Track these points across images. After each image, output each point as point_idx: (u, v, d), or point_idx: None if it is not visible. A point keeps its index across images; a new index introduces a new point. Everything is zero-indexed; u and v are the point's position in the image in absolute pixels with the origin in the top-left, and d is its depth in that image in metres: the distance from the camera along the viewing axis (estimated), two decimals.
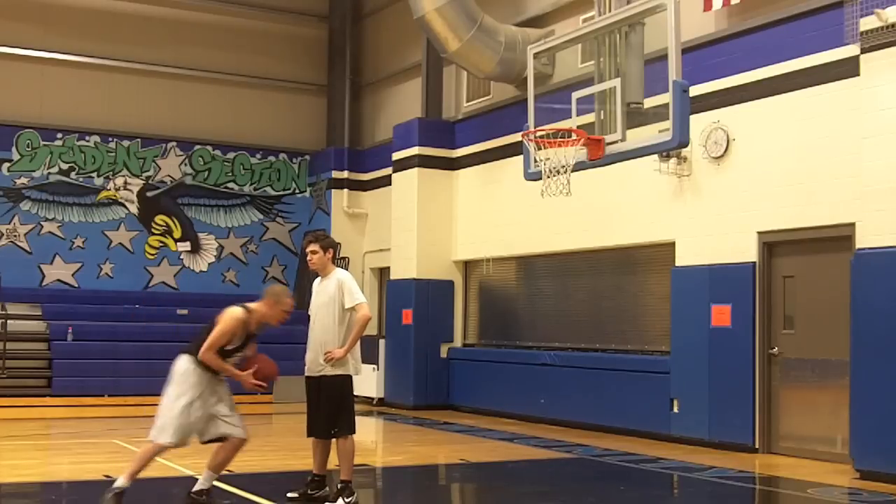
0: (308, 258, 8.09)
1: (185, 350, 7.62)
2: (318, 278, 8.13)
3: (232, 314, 7.53)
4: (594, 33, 10.13)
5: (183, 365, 7.54)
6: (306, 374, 8.01)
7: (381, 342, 17.35)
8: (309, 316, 8.05)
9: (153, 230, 19.29)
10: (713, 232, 11.93)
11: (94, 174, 18.88)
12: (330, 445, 8.01)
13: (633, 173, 12.45)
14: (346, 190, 19.81)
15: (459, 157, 16.87)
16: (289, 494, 8.15)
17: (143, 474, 9.54)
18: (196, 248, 19.64)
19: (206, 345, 7.42)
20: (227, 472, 9.47)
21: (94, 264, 18.73)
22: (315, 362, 7.88)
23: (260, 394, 7.52)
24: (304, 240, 7.91)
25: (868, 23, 9.66)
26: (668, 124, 9.17)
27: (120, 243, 18.98)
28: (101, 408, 15.76)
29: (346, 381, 7.89)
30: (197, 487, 7.65)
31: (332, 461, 8.05)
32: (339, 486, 7.87)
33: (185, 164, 19.64)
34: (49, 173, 18.51)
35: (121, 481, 7.34)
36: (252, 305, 7.66)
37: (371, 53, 20.49)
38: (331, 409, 7.83)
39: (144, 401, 16.39)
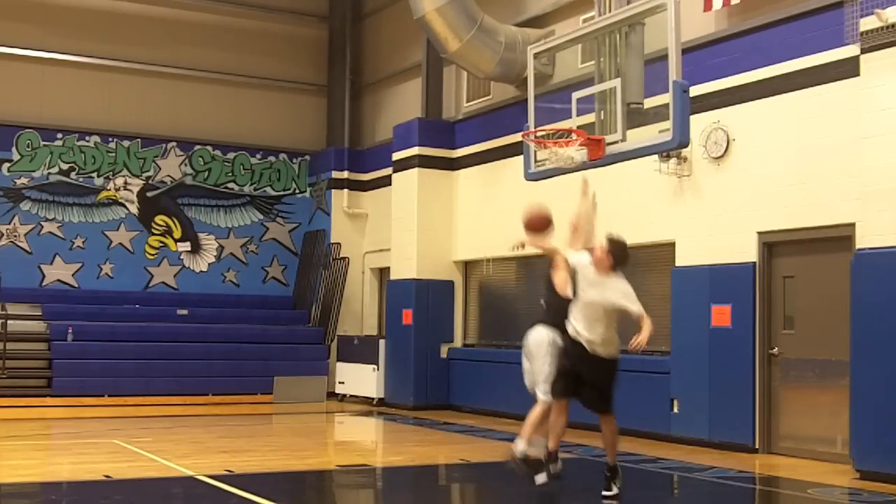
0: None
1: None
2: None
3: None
4: (594, 33, 10.12)
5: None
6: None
7: (381, 342, 17.32)
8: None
9: (153, 230, 19.28)
10: (713, 232, 11.93)
11: (94, 174, 18.88)
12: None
13: (633, 173, 12.43)
14: (346, 190, 19.80)
15: (459, 157, 16.85)
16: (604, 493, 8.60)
17: (143, 474, 9.57)
18: (196, 249, 19.63)
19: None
20: (226, 472, 9.51)
21: (94, 264, 18.73)
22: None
23: None
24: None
25: (868, 23, 9.65)
26: (668, 124, 9.16)
27: (120, 243, 18.97)
28: (101, 408, 15.77)
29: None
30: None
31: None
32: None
33: (185, 165, 19.63)
34: (49, 173, 18.51)
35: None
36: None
37: (371, 53, 20.49)
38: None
39: (144, 401, 16.48)
